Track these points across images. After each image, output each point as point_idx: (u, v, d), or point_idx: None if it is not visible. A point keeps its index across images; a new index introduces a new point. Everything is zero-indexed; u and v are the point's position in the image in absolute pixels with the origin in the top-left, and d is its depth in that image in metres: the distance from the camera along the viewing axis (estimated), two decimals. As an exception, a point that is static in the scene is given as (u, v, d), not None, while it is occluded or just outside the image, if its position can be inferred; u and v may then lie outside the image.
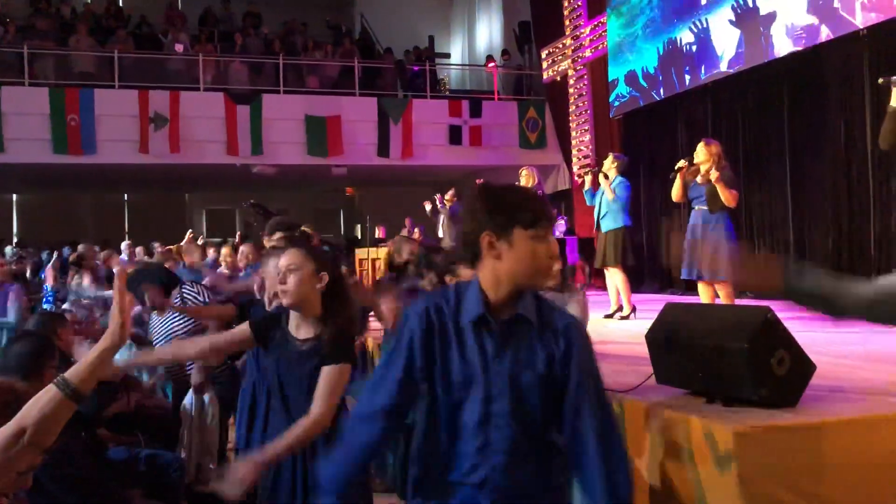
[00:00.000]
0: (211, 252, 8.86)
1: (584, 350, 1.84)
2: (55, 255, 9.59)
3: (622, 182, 7.36)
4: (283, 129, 13.99)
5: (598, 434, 1.78)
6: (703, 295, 5.89)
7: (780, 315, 2.98)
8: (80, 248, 8.90)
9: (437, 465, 1.84)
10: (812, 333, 5.26)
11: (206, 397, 4.00)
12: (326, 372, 2.49)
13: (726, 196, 5.62)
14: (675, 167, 5.96)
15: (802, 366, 2.85)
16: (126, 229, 19.24)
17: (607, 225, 7.20)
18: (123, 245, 12.33)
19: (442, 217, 10.85)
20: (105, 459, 3.65)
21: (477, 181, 9.90)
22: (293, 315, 2.61)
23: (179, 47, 14.74)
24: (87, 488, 3.08)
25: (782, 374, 2.77)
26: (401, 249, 4.78)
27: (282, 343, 2.59)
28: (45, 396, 1.60)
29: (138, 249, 11.63)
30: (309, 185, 18.09)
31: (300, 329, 2.60)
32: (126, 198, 20.15)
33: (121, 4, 17.83)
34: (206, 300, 4.11)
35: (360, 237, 17.86)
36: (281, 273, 2.55)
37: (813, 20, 8.49)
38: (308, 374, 2.53)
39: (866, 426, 2.70)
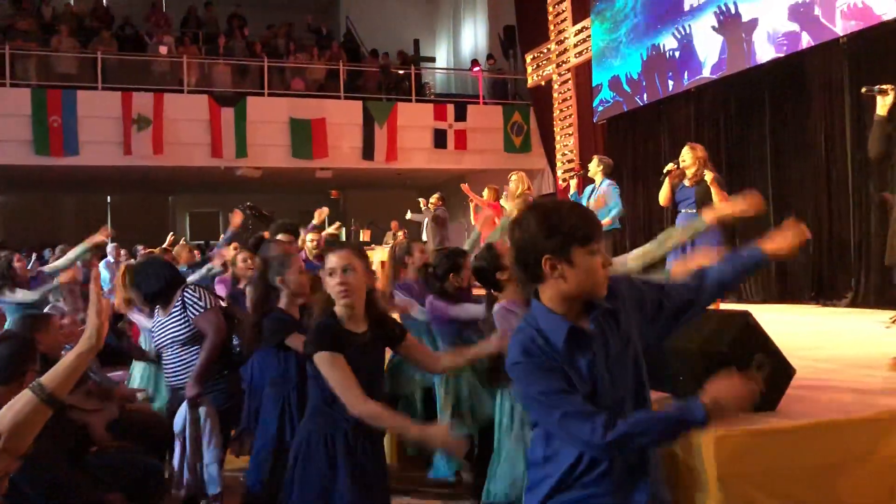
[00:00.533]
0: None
1: (631, 280, 2.05)
2: (34, 257, 9.51)
3: (611, 185, 7.38)
4: (267, 131, 13.96)
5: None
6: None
7: (762, 319, 3.02)
8: (58, 250, 8.81)
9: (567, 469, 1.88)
10: (792, 337, 5.32)
11: (202, 411, 3.85)
12: (411, 342, 2.84)
13: (719, 197, 5.63)
14: (664, 171, 5.97)
15: (782, 370, 2.88)
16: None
17: None
18: (109, 247, 12.23)
19: (426, 220, 10.84)
20: (85, 464, 3.62)
21: (462, 185, 9.98)
22: (345, 312, 2.67)
23: (164, 49, 14.67)
24: (65, 493, 3.05)
25: (762, 377, 2.79)
26: (411, 250, 4.75)
27: (349, 342, 2.63)
28: (20, 401, 1.58)
29: (121, 252, 11.55)
30: (293, 188, 18.05)
31: (357, 324, 2.69)
32: (109, 200, 20.02)
33: (105, 5, 17.73)
34: (208, 305, 3.98)
35: (345, 240, 17.81)
36: (337, 272, 2.62)
37: (794, 27, 8.58)
38: (376, 360, 2.76)
39: (844, 429, 2.74)
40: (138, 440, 4.09)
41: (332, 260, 2.65)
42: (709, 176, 5.61)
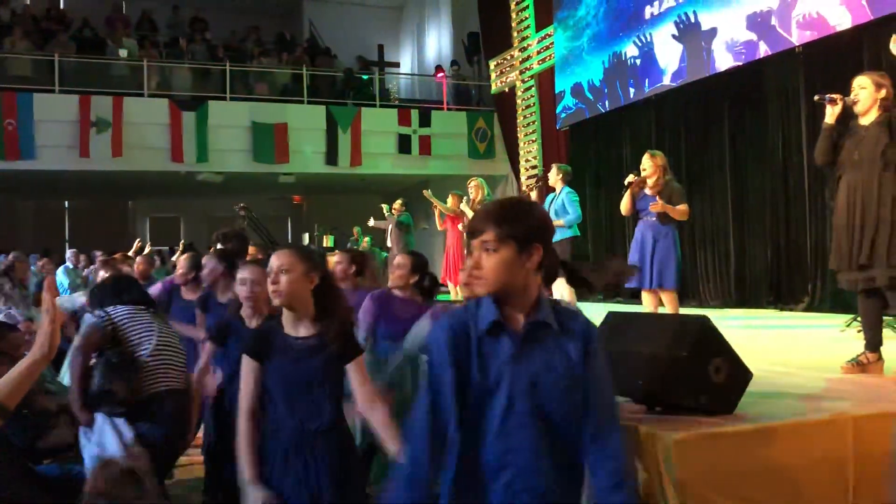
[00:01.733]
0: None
1: (599, 353, 1.93)
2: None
3: (570, 193, 7.43)
4: (229, 136, 13.82)
5: (597, 429, 1.88)
6: (647, 303, 5.99)
7: (720, 323, 3.06)
8: (11, 256, 8.60)
9: (468, 467, 1.90)
10: (750, 341, 5.40)
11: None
12: (354, 368, 2.62)
13: (677, 214, 5.76)
14: (626, 182, 6.02)
15: (739, 373, 2.92)
16: (66, 237, 18.75)
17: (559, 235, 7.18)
18: (68, 253, 12.02)
19: (390, 227, 10.82)
20: (38, 477, 3.53)
21: (424, 191, 9.98)
22: (288, 316, 2.64)
23: (123, 52, 14.46)
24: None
25: (720, 381, 2.84)
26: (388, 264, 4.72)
27: (282, 348, 2.61)
28: None
29: (80, 257, 11.36)
30: (256, 193, 17.90)
31: (298, 328, 2.63)
32: (67, 205, 19.65)
33: (62, 7, 17.43)
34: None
35: (308, 245, 17.71)
36: (273, 273, 2.58)
37: (752, 36, 8.74)
38: (315, 368, 2.59)
39: (800, 431, 2.79)
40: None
41: (271, 260, 2.63)
42: (658, 206, 5.68)
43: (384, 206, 11.04)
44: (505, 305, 1.89)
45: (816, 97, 4.25)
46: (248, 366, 2.60)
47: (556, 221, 7.08)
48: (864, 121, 4.03)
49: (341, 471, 2.58)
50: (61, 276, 11.34)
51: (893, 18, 6.89)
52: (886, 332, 4.23)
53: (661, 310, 5.82)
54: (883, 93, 3.98)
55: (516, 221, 1.87)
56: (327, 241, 13.32)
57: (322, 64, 16.53)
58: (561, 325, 1.91)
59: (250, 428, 2.55)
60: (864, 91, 4.01)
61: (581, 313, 2.00)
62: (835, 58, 7.83)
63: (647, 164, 5.89)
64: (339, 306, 2.70)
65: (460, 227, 9.40)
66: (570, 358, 1.89)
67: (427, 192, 9.86)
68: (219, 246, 5.32)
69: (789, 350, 5.24)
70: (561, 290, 7.24)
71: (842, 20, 7.62)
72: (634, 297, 9.86)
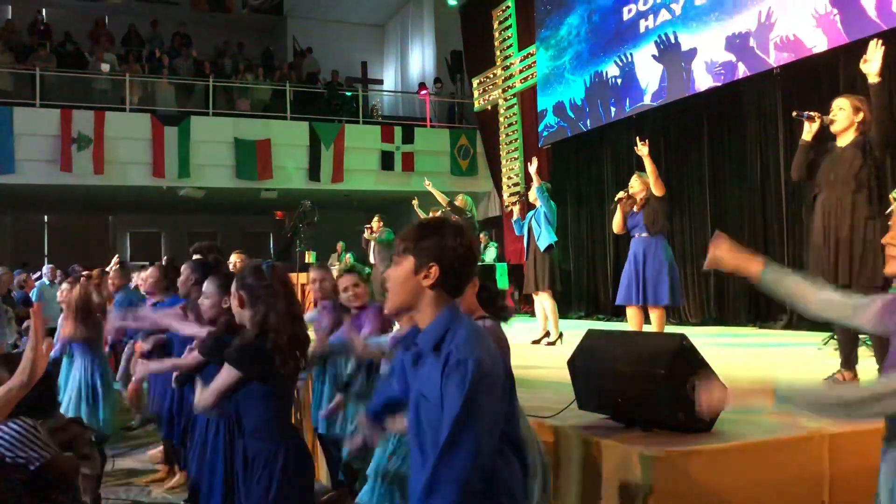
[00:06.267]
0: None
1: (457, 388, 1.77)
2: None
3: (549, 201, 7.49)
4: (211, 151, 13.78)
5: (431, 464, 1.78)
6: (632, 320, 6.03)
7: (699, 340, 3.09)
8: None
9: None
10: (728, 359, 5.44)
11: None
12: None
13: (654, 179, 5.90)
14: (615, 199, 6.14)
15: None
16: (46, 252, 18.57)
17: (542, 244, 7.19)
18: (45, 269, 11.87)
19: (373, 244, 10.83)
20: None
21: (425, 182, 9.98)
22: None
23: (105, 66, 14.41)
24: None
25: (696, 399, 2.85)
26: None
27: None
28: None
29: (58, 273, 11.23)
30: (238, 209, 17.84)
31: None
32: (46, 219, 19.48)
33: (45, 21, 17.35)
34: None
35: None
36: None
37: (731, 57, 8.87)
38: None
39: (776, 449, 2.81)
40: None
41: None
42: (644, 150, 5.89)
43: (366, 229, 11.01)
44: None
45: (795, 113, 4.33)
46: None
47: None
48: (841, 142, 4.10)
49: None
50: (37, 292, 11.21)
51: (868, 42, 7.01)
52: (862, 350, 4.28)
53: (646, 327, 5.87)
54: (860, 116, 4.05)
55: (419, 238, 1.89)
56: (309, 257, 13.27)
57: (306, 71, 16.55)
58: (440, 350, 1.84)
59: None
60: (843, 112, 4.08)
61: (467, 344, 1.82)
62: (811, 79, 7.96)
63: (636, 182, 6.05)
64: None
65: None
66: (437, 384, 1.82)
67: (427, 183, 9.82)
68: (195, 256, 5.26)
69: (768, 367, 5.28)
70: (542, 302, 7.30)
71: (818, 43, 7.75)
72: (617, 314, 9.93)
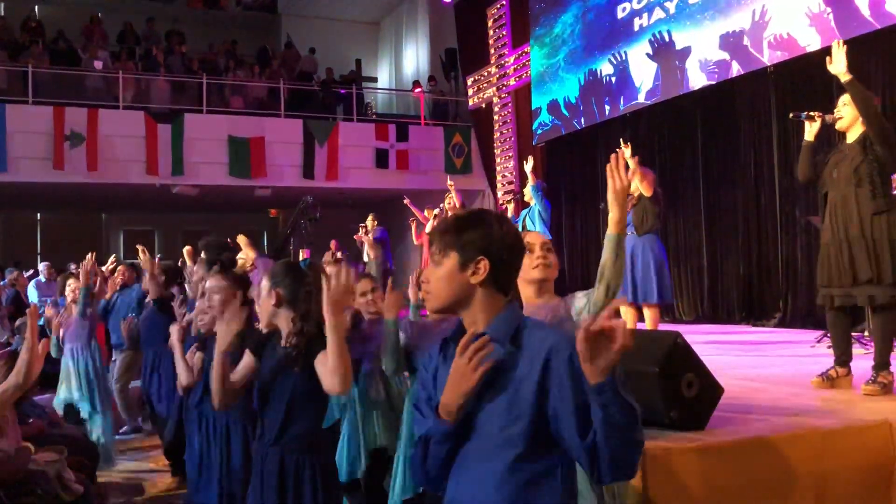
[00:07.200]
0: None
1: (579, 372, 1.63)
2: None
3: (543, 199, 7.51)
4: (205, 149, 13.73)
5: None
6: (626, 318, 6.04)
7: (693, 338, 3.10)
8: None
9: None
10: (723, 357, 5.46)
11: None
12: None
13: (640, 179, 5.91)
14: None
15: (711, 389, 2.96)
16: (38, 250, 18.50)
17: None
18: (41, 266, 11.84)
19: (367, 243, 10.81)
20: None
21: (404, 199, 9.99)
22: None
23: (98, 64, 14.35)
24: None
25: (691, 396, 2.87)
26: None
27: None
28: None
29: (52, 271, 11.20)
30: (232, 207, 17.79)
31: None
32: (39, 217, 19.40)
33: (38, 18, 17.26)
34: None
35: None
36: None
37: (724, 56, 8.88)
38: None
39: (770, 446, 2.82)
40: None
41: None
42: (631, 162, 5.82)
43: (361, 227, 10.97)
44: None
45: (792, 115, 4.31)
46: None
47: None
48: (849, 139, 4.08)
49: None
50: (32, 291, 11.19)
51: (861, 41, 7.04)
52: (855, 348, 4.30)
53: (640, 326, 5.88)
54: None
55: (461, 232, 1.66)
56: (302, 255, 13.24)
57: (301, 69, 16.52)
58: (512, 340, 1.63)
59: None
60: (847, 108, 4.07)
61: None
62: (804, 78, 7.97)
63: (633, 183, 6.03)
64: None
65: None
66: (528, 380, 1.59)
67: (407, 201, 9.83)
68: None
69: (761, 365, 5.30)
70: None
71: (811, 41, 7.77)
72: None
